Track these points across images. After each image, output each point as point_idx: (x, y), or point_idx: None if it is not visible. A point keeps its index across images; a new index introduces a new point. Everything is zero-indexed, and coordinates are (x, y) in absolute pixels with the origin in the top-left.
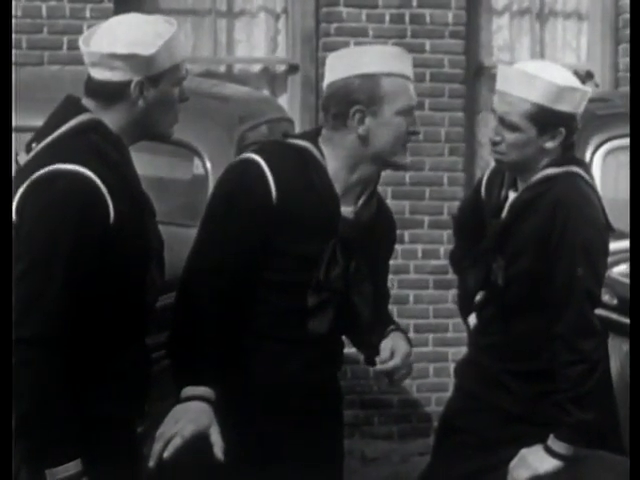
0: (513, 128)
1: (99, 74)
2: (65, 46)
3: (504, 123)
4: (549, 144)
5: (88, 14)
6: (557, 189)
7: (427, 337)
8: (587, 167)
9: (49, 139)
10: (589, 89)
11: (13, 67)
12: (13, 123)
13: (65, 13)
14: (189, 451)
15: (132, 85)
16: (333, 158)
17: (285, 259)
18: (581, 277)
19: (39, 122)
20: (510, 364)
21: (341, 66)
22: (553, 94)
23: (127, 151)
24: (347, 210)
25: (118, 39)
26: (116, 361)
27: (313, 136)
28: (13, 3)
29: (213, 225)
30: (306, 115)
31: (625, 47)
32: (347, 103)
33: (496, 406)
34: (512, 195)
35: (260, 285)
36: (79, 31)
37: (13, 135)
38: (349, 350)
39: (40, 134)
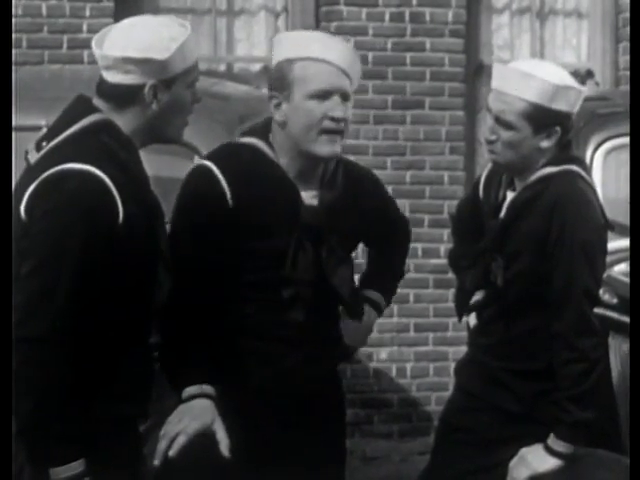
0: (509, 127)
1: (112, 77)
2: (65, 45)
3: (500, 122)
4: (544, 143)
5: (88, 13)
6: (555, 188)
7: (427, 336)
8: (585, 165)
9: (60, 138)
10: (585, 88)
11: (13, 66)
12: (13, 122)
13: (65, 12)
14: (194, 449)
15: (146, 89)
16: (281, 147)
17: (256, 258)
18: (580, 276)
19: (39, 121)
20: (510, 363)
21: (274, 54)
22: (549, 93)
23: (137, 153)
24: (309, 196)
25: (132, 43)
26: (120, 361)
27: (263, 129)
28: (13, 2)
29: (178, 238)
30: None
31: (625, 45)
32: (269, 90)
33: (496, 405)
34: (510, 195)
35: (242, 287)
36: (79, 30)
37: (13, 134)
38: None
39: (51, 133)
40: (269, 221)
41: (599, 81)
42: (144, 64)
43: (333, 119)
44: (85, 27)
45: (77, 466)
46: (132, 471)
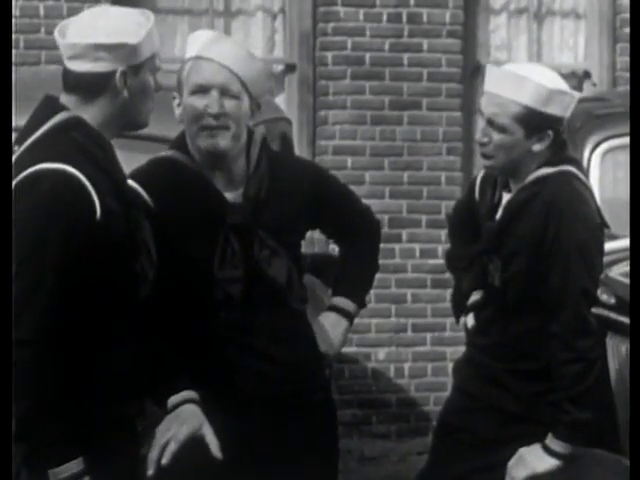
0: (501, 130)
1: (80, 66)
2: None
3: (492, 124)
4: (536, 147)
5: None
6: (551, 189)
7: (425, 336)
8: (581, 166)
9: (30, 140)
10: (578, 93)
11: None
12: (13, 123)
13: (63, 13)
14: (186, 455)
15: (117, 75)
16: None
17: (184, 265)
18: (577, 276)
19: None
20: (508, 364)
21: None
22: (543, 97)
23: (110, 146)
24: (235, 195)
25: (100, 30)
26: (113, 358)
27: (180, 140)
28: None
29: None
30: (304, 115)
31: (622, 46)
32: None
33: (495, 405)
34: (506, 196)
35: (199, 302)
36: None
37: (13, 135)
38: (347, 350)
39: (21, 136)
40: (188, 229)
41: (596, 82)
42: (115, 49)
43: (210, 115)
44: None
45: (76, 465)
46: (131, 470)
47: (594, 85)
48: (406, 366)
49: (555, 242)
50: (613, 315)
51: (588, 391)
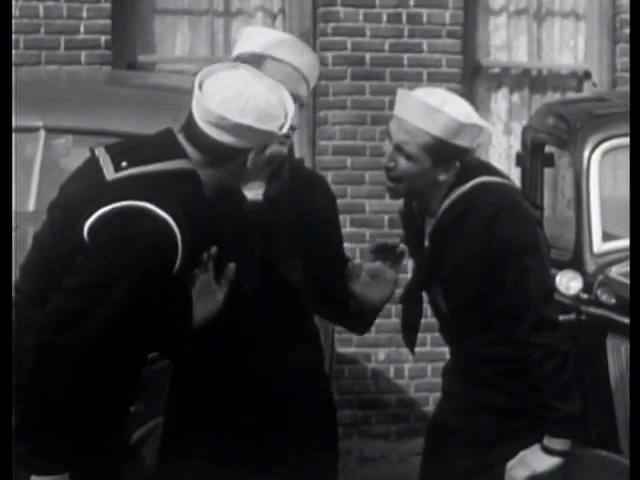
0: (409, 157)
1: (219, 136)
2: (62, 46)
3: (400, 151)
4: (442, 176)
5: (85, 14)
6: (479, 204)
7: (425, 337)
8: (491, 169)
9: (142, 170)
10: (488, 125)
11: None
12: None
13: (62, 13)
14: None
15: (252, 153)
16: None
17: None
18: (537, 278)
19: (36, 122)
20: (490, 366)
21: (238, 46)
22: (453, 129)
23: (212, 210)
24: (255, 194)
25: (249, 109)
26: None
27: None
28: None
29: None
30: (304, 115)
31: (622, 47)
32: None
33: (488, 405)
34: (429, 221)
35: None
36: (76, 31)
37: (13, 136)
38: (346, 350)
39: (133, 158)
40: (212, 234)
41: (596, 82)
42: (262, 133)
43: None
44: (82, 28)
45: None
46: None
47: (594, 85)
48: (406, 367)
49: (506, 252)
50: (613, 315)
51: (569, 384)
